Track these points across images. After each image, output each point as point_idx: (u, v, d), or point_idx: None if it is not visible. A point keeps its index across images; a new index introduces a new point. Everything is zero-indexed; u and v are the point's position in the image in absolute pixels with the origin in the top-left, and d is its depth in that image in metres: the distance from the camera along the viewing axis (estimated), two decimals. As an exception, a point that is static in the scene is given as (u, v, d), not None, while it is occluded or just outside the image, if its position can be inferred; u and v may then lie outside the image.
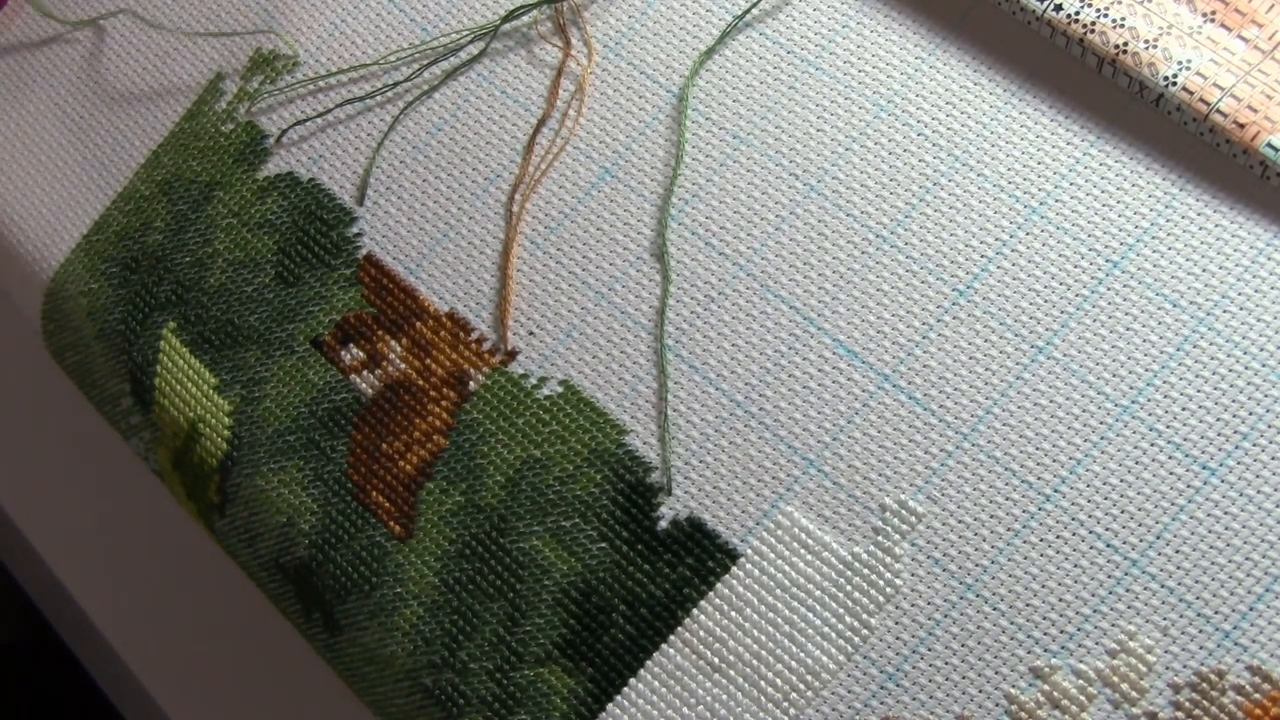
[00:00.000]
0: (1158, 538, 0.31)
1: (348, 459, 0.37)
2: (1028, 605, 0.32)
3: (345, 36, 0.42)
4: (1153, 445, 0.32)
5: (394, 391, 0.38)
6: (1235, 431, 0.32)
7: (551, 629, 0.34)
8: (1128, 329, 0.33)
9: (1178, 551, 0.31)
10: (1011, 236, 0.34)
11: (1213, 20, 0.35)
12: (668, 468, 0.35)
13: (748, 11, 0.38)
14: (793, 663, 0.33)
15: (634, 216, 0.37)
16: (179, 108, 0.43)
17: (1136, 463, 0.32)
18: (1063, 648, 0.31)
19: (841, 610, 0.33)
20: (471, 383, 0.37)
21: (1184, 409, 0.32)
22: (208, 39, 0.43)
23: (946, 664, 0.32)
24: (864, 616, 0.32)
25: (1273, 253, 0.33)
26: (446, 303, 0.38)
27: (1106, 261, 0.34)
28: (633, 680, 0.33)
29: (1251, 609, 0.30)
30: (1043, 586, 0.32)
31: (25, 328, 0.46)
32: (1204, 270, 0.33)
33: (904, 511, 0.33)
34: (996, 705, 0.31)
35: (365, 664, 0.37)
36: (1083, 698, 0.31)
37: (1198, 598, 0.31)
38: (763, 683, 0.33)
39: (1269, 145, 0.33)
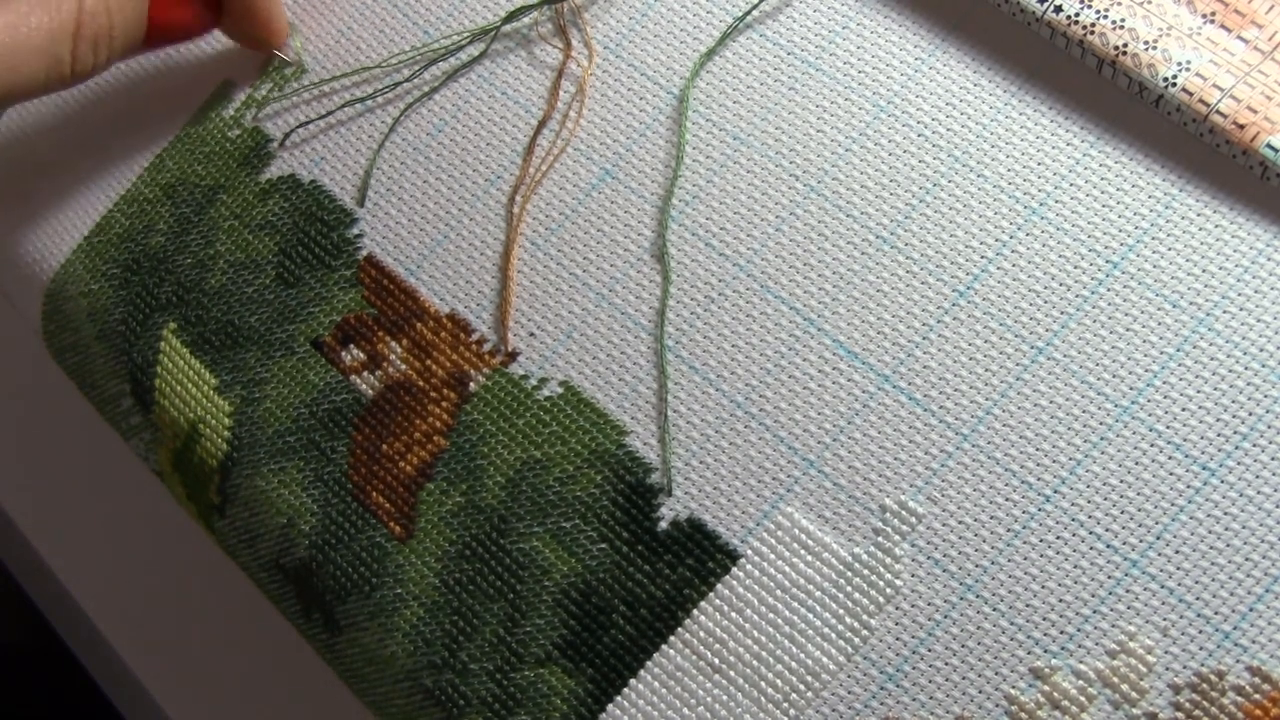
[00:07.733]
0: (1158, 538, 0.31)
1: (348, 460, 0.37)
2: (1028, 606, 0.32)
3: (350, 41, 0.42)
4: (1153, 445, 0.32)
5: (394, 392, 0.38)
6: (1235, 432, 0.32)
7: (552, 630, 0.34)
8: (1128, 329, 0.33)
9: (1178, 552, 0.31)
10: (1011, 237, 0.34)
11: (1212, 21, 0.35)
12: (668, 468, 0.35)
13: (748, 13, 0.38)
14: (793, 663, 0.33)
15: (634, 217, 0.37)
16: (185, 112, 0.43)
17: (1136, 463, 0.32)
18: (1063, 648, 0.31)
19: (842, 611, 0.33)
20: (472, 384, 0.37)
21: (1184, 409, 0.32)
22: (216, 44, 0.44)
23: (946, 664, 0.32)
24: (864, 617, 0.32)
25: (1273, 253, 0.33)
26: (447, 304, 0.38)
27: (1106, 262, 0.34)
28: (633, 681, 0.33)
29: (1251, 609, 0.30)
30: (1042, 587, 0.32)
31: (25, 328, 0.46)
32: (1204, 271, 0.33)
33: (904, 512, 0.33)
34: (996, 706, 0.31)
35: (365, 664, 0.37)
36: (1083, 698, 0.31)
37: (1198, 598, 0.31)
38: (763, 683, 0.33)
39: (1269, 146, 0.33)
